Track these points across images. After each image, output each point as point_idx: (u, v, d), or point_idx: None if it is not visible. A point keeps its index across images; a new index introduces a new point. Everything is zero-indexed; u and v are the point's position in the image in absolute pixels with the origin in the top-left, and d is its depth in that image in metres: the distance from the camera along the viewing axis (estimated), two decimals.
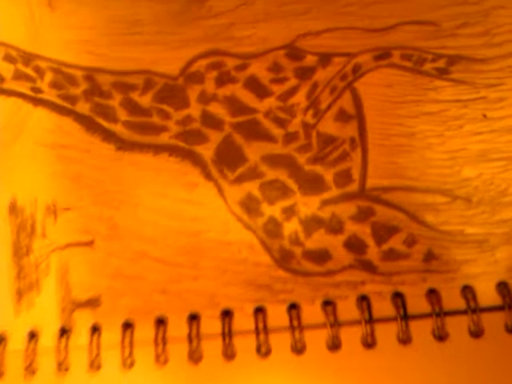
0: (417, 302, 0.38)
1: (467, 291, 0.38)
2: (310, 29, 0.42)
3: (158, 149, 0.43)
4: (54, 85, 0.44)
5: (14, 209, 0.42)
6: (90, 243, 0.41)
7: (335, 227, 0.40)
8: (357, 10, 0.42)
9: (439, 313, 0.38)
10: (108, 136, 0.43)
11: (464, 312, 0.38)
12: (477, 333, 0.37)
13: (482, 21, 0.41)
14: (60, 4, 0.45)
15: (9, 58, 0.45)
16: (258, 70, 0.42)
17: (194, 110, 0.43)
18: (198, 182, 0.42)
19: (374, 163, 0.41)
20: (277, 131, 0.42)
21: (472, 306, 0.38)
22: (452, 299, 0.38)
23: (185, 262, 0.40)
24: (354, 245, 0.39)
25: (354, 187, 0.40)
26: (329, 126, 0.41)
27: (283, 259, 0.40)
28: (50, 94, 0.44)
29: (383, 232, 0.39)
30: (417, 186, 0.40)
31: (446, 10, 0.41)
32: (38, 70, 0.44)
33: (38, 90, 0.44)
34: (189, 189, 0.42)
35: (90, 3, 0.44)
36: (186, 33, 0.43)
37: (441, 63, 0.41)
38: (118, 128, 0.43)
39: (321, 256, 0.39)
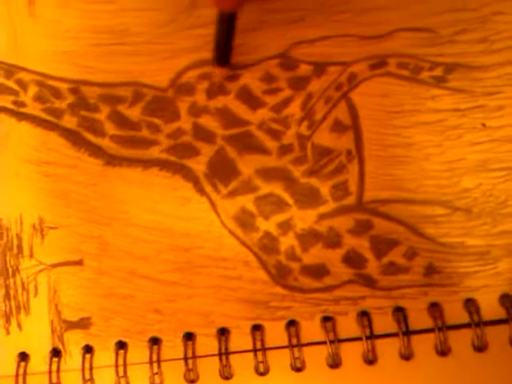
0: (418, 317, 0.37)
1: (470, 304, 0.37)
2: (303, 37, 0.41)
3: (147, 163, 0.41)
4: (38, 98, 0.42)
5: (0, 229, 0.41)
6: (79, 262, 0.39)
7: (333, 241, 0.39)
8: (351, 17, 0.41)
9: (441, 327, 0.37)
10: (95, 151, 0.42)
11: (467, 326, 0.37)
12: (480, 347, 0.37)
13: (481, 27, 0.40)
14: (42, 13, 0.43)
15: None
16: (251, 80, 0.41)
17: (185, 122, 0.41)
18: (190, 197, 0.40)
19: (371, 175, 0.40)
20: (271, 143, 0.40)
21: (475, 320, 0.37)
22: (454, 313, 0.37)
23: (178, 279, 0.39)
24: (353, 259, 0.38)
25: (351, 200, 0.39)
26: (324, 137, 0.40)
27: (280, 275, 0.38)
28: (33, 108, 0.42)
29: (382, 245, 0.38)
30: (415, 198, 0.39)
31: (443, 16, 0.40)
32: (20, 82, 0.43)
33: (21, 104, 0.43)
34: (180, 204, 0.40)
35: (74, 12, 0.42)
36: (175, 43, 0.42)
37: (438, 71, 0.40)
38: (105, 142, 0.42)
39: (319, 271, 0.38)
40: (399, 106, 0.40)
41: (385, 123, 0.40)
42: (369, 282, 0.38)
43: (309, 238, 0.39)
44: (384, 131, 0.40)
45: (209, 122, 0.41)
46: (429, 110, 0.40)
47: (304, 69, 0.41)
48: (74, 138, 0.42)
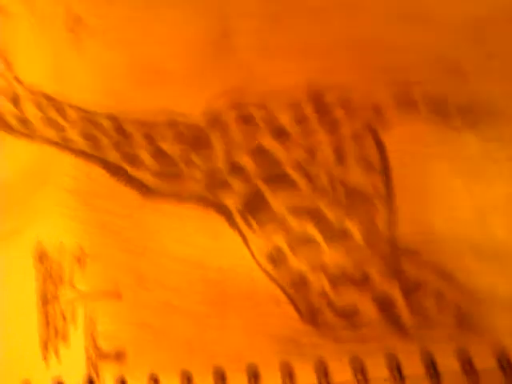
0: (446, 360, 0.37)
1: (499, 351, 0.37)
2: (330, 73, 0.42)
3: (183, 197, 0.42)
4: (82, 132, 0.44)
5: (41, 255, 0.42)
6: (116, 293, 0.41)
7: (363, 282, 0.39)
8: (381, 54, 0.42)
9: (469, 371, 0.37)
10: (133, 183, 0.43)
11: (497, 370, 0.37)
12: None
13: None
14: (88, 50, 0.45)
15: (38, 105, 0.45)
16: (285, 120, 0.42)
17: (221, 160, 0.43)
18: (223, 231, 0.41)
19: (401, 217, 0.40)
20: (303, 182, 0.41)
21: (505, 365, 0.37)
22: (483, 358, 0.37)
23: (209, 312, 0.40)
24: (383, 300, 0.39)
25: (381, 241, 0.40)
26: (355, 178, 0.41)
27: (309, 313, 0.39)
28: (77, 141, 0.44)
29: (412, 288, 0.39)
30: (445, 242, 0.39)
31: (472, 58, 0.41)
32: (65, 116, 0.45)
33: (65, 136, 0.44)
34: (213, 237, 0.41)
35: (118, 50, 0.44)
36: (208, 77, 0.43)
37: (470, 117, 0.41)
38: (143, 175, 0.43)
39: (348, 311, 0.39)
40: (429, 149, 0.41)
41: (415, 166, 0.41)
42: (398, 324, 0.38)
43: (339, 277, 0.39)
44: (414, 174, 0.41)
45: (243, 159, 0.42)
46: (459, 154, 0.40)
47: (336, 110, 0.42)
48: (113, 169, 0.43)
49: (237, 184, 0.42)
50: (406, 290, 0.39)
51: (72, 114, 0.44)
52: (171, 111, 0.43)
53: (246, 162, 0.42)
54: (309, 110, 0.42)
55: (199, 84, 0.42)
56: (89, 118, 0.44)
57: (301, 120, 0.42)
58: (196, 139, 0.42)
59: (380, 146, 0.41)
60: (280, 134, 0.42)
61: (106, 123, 0.44)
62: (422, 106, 0.41)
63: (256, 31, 0.40)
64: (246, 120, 0.43)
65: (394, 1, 0.39)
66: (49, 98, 0.45)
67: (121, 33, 0.43)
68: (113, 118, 0.43)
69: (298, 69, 0.42)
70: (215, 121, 0.42)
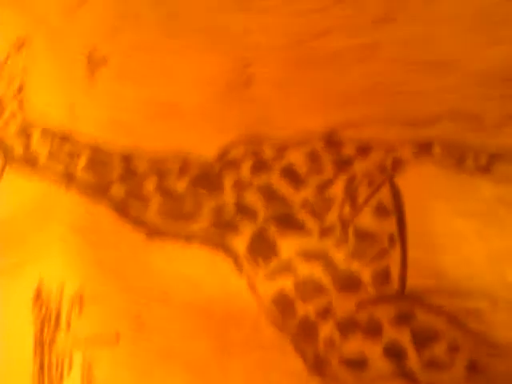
0: None
1: None
2: (349, 120, 0.41)
3: (189, 238, 0.41)
4: (89, 167, 0.43)
5: (38, 297, 0.41)
6: (115, 339, 0.39)
7: (373, 331, 0.38)
8: (399, 102, 0.41)
9: None
10: (139, 222, 0.42)
11: None
12: None
13: None
14: (101, 83, 0.44)
15: (45, 138, 0.45)
16: (295, 159, 0.41)
17: (229, 198, 0.41)
18: (230, 276, 0.40)
19: (414, 262, 0.39)
20: (312, 224, 0.40)
21: None
22: None
23: (212, 363, 0.39)
24: (394, 351, 0.37)
25: (392, 288, 0.38)
26: (367, 221, 0.40)
27: (316, 364, 0.38)
28: (84, 177, 0.43)
29: (424, 338, 0.37)
30: (459, 289, 0.38)
31: (489, 104, 0.39)
32: (74, 150, 0.44)
33: (71, 173, 0.44)
34: (220, 282, 0.40)
35: (131, 84, 0.44)
36: (226, 118, 0.43)
37: (483, 160, 0.39)
38: (149, 214, 0.42)
39: (358, 363, 0.37)
40: (443, 193, 0.39)
41: (429, 209, 0.39)
42: (409, 377, 0.36)
43: (348, 326, 0.38)
44: (428, 218, 0.39)
45: (252, 198, 0.41)
46: (474, 198, 0.39)
47: (348, 150, 0.41)
48: (120, 208, 0.42)
49: (244, 225, 0.41)
50: (418, 339, 0.37)
51: (79, 146, 0.43)
52: (184, 152, 0.42)
53: (254, 202, 0.41)
54: (321, 150, 0.41)
55: (215, 127, 0.41)
56: (96, 151, 0.43)
57: (312, 159, 0.41)
58: (204, 178, 0.41)
59: (393, 188, 0.40)
60: (290, 173, 0.41)
61: (114, 158, 0.43)
62: (436, 149, 0.39)
63: (276, 79, 0.39)
64: (260, 163, 0.42)
65: (412, 47, 0.38)
66: (59, 132, 0.44)
67: (140, 71, 0.42)
68: (120, 154, 0.43)
69: (316, 116, 0.41)
70: (228, 163, 0.41)
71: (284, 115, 0.40)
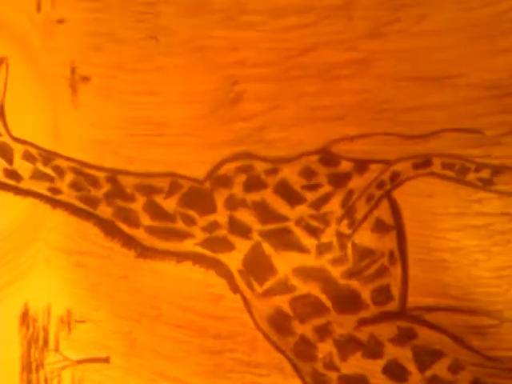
0: None
1: None
2: (344, 134, 0.40)
3: (181, 256, 0.40)
4: (74, 185, 0.42)
5: (25, 318, 0.39)
6: (105, 359, 0.38)
7: (374, 350, 0.37)
8: (394, 115, 0.40)
9: None
10: (129, 241, 0.41)
11: None
12: None
13: None
14: (84, 102, 0.43)
15: (28, 157, 0.43)
16: (290, 175, 0.40)
17: (221, 215, 0.40)
18: (224, 295, 0.39)
19: (415, 280, 0.38)
20: (309, 241, 0.39)
21: None
22: None
23: (206, 383, 0.37)
24: (395, 371, 0.36)
25: (393, 306, 0.37)
26: (365, 237, 0.39)
27: None
28: (69, 196, 0.42)
29: (426, 357, 0.36)
30: (462, 306, 0.37)
31: (489, 117, 0.39)
32: (57, 169, 0.43)
33: (57, 191, 0.42)
34: (213, 301, 0.39)
35: (115, 103, 0.42)
36: (215, 135, 0.41)
37: (485, 173, 0.38)
38: (139, 233, 0.41)
39: (358, 382, 0.36)
40: (445, 207, 0.38)
41: (429, 225, 0.38)
42: None
43: (348, 345, 0.37)
44: (428, 233, 0.38)
45: (245, 216, 0.40)
46: (476, 213, 0.38)
47: (345, 165, 0.40)
48: (108, 227, 0.41)
49: (238, 242, 0.39)
50: (420, 357, 0.36)
51: (63, 164, 0.42)
52: (173, 170, 0.41)
53: (248, 219, 0.39)
54: (316, 166, 0.40)
55: (205, 145, 0.40)
56: (80, 170, 0.41)
57: (307, 175, 0.39)
58: (195, 196, 0.40)
59: (392, 203, 0.39)
60: (284, 189, 0.40)
61: (99, 175, 0.41)
62: (435, 162, 0.38)
63: (265, 95, 0.38)
64: (252, 179, 0.40)
65: (405, 61, 0.37)
66: (41, 150, 0.42)
67: (123, 89, 0.41)
68: (106, 170, 0.41)
69: (309, 131, 0.40)
70: (220, 180, 0.40)
71: (275, 131, 0.39)
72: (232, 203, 0.40)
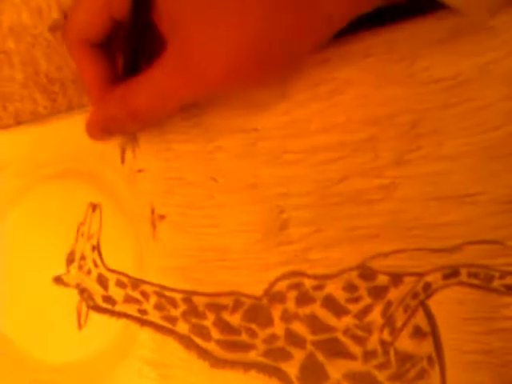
0: None
1: None
2: (379, 251, 0.46)
3: (247, 366, 0.47)
4: (157, 307, 0.51)
5: None
6: None
7: None
8: (423, 232, 0.45)
9: None
10: (203, 354, 0.48)
11: None
12: None
13: None
14: (162, 236, 0.52)
15: (120, 284, 0.53)
16: (334, 290, 0.46)
17: (278, 328, 0.47)
18: None
19: (452, 381, 0.42)
20: (356, 349, 0.45)
21: None
22: None
23: None
24: None
25: None
26: (405, 343, 0.44)
27: None
28: (154, 316, 0.51)
29: None
30: None
31: (509, 229, 0.43)
32: (144, 293, 0.52)
33: (144, 312, 0.51)
34: None
35: (187, 235, 0.51)
36: (268, 258, 0.49)
37: (509, 280, 0.43)
38: (211, 346, 0.48)
39: None
40: (474, 313, 0.43)
41: (462, 329, 0.43)
42: None
43: None
44: (462, 337, 0.43)
45: (299, 328, 0.47)
46: (504, 317, 0.42)
47: (381, 279, 0.46)
48: (186, 342, 0.49)
49: (294, 352, 0.46)
50: None
51: (148, 289, 0.51)
52: (235, 289, 0.49)
53: (301, 330, 0.46)
54: (357, 281, 0.46)
55: (260, 266, 0.48)
56: (162, 293, 0.50)
57: (349, 289, 0.46)
58: (255, 311, 0.47)
59: (427, 312, 0.44)
60: (330, 303, 0.46)
61: (176, 296, 0.50)
62: (462, 272, 0.43)
63: (308, 221, 0.46)
64: (302, 295, 0.47)
65: (428, 184, 0.43)
66: (129, 278, 0.52)
67: (193, 223, 0.50)
68: (181, 292, 0.50)
69: (348, 250, 0.47)
70: (275, 297, 0.47)
71: (318, 251, 0.46)
72: (287, 317, 0.47)
